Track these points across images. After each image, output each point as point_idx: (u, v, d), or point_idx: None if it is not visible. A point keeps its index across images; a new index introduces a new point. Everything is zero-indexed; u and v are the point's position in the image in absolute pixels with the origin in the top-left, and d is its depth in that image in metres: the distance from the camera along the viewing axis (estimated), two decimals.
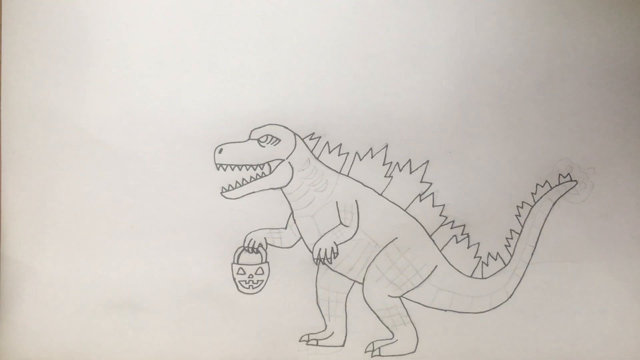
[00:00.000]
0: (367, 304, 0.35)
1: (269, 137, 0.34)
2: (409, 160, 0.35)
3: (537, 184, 0.36)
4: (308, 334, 0.35)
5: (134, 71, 0.34)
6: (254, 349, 0.35)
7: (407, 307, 0.35)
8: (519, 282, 0.35)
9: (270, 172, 0.35)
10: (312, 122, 0.35)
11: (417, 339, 0.35)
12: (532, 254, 0.36)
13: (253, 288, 0.35)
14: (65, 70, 0.34)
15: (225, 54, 0.34)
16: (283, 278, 0.35)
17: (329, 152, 0.35)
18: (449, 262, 0.35)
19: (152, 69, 0.34)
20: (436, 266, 0.35)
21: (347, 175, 0.35)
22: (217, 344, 0.35)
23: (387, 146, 0.35)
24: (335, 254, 0.35)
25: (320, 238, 0.35)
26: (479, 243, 0.35)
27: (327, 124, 0.35)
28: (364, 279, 0.35)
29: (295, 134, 0.35)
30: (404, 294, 0.35)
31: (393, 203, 0.35)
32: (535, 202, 0.36)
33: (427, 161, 0.35)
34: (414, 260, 0.35)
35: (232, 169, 0.34)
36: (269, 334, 0.35)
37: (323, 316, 0.35)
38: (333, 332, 0.36)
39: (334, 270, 0.35)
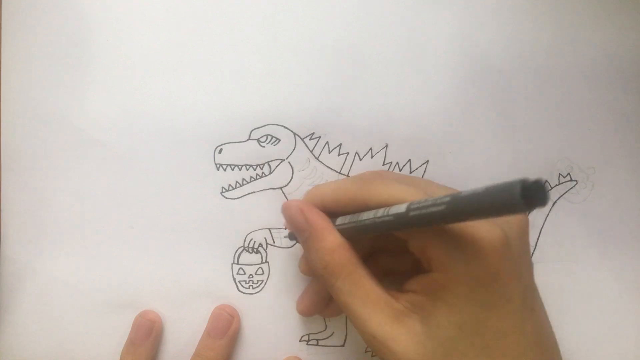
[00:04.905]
0: None
1: (269, 137, 0.34)
2: (409, 160, 0.35)
3: None
4: (308, 334, 0.35)
5: (134, 71, 0.34)
6: (254, 349, 0.35)
7: None
8: None
9: (270, 172, 0.35)
10: (312, 122, 0.35)
11: None
12: (532, 254, 0.36)
13: (253, 288, 0.35)
14: (65, 70, 0.34)
15: (225, 54, 0.34)
16: (283, 278, 0.35)
17: (329, 152, 0.35)
18: None
19: (152, 69, 0.34)
20: None
21: (347, 175, 0.35)
22: None
23: (387, 146, 0.35)
24: None
25: None
26: None
27: (327, 124, 0.35)
28: None
29: (295, 134, 0.35)
30: None
31: None
32: None
33: (427, 161, 0.35)
34: None
35: (232, 169, 0.34)
36: (269, 334, 0.35)
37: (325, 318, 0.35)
38: (333, 332, 0.36)
39: None
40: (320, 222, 0.29)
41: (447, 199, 0.21)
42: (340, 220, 0.29)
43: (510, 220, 0.26)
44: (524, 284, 0.26)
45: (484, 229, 0.24)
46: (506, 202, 0.18)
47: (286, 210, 0.31)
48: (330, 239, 0.28)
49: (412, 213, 0.23)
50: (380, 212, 0.26)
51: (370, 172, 0.32)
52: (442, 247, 0.26)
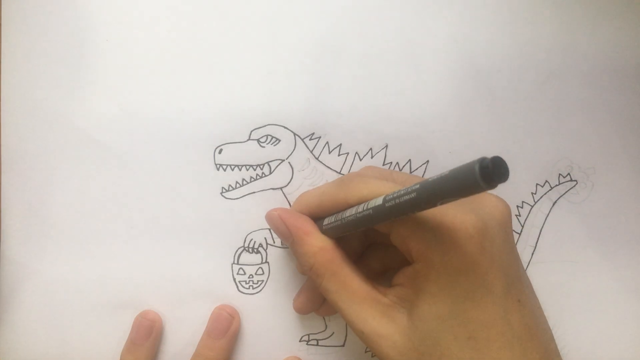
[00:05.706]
0: None
1: (269, 137, 0.34)
2: (409, 160, 0.35)
3: (537, 184, 0.36)
4: (308, 334, 0.35)
5: (134, 71, 0.34)
6: (254, 349, 0.35)
7: None
8: None
9: (270, 173, 0.35)
10: (312, 122, 0.35)
11: None
12: (532, 254, 0.36)
13: (253, 288, 0.35)
14: (65, 70, 0.34)
15: (225, 54, 0.34)
16: (283, 278, 0.35)
17: (329, 152, 0.35)
18: None
19: (151, 68, 0.34)
20: None
21: None
22: None
23: (387, 146, 0.35)
24: None
25: None
26: None
27: (327, 124, 0.35)
28: None
29: (295, 134, 0.35)
30: None
31: None
32: (535, 202, 0.36)
33: (427, 161, 0.35)
34: None
35: (232, 169, 0.34)
36: (269, 334, 0.35)
37: (323, 316, 0.35)
38: (333, 332, 0.36)
39: None
40: (302, 226, 0.30)
41: (417, 186, 0.22)
42: (326, 221, 0.30)
43: (491, 210, 0.26)
44: (509, 274, 0.25)
45: (459, 219, 0.24)
46: (468, 181, 0.19)
47: (268, 220, 0.32)
48: (312, 243, 0.29)
49: (388, 204, 0.24)
50: (361, 207, 0.26)
51: (351, 173, 0.33)
52: (421, 238, 0.26)
